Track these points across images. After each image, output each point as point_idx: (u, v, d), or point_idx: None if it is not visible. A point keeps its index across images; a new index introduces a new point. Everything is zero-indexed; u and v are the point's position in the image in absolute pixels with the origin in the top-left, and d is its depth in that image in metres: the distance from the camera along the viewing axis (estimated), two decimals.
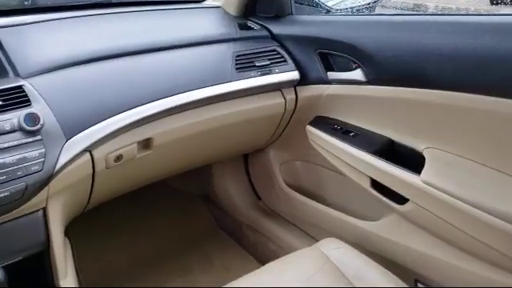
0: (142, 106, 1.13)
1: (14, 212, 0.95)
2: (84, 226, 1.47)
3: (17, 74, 1.06)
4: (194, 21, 1.50)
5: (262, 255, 1.77)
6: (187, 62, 1.30)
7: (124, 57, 1.22)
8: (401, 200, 1.19)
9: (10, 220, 0.97)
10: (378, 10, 1.93)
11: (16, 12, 1.31)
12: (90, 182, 1.15)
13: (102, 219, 1.79)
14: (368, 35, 1.27)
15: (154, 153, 1.24)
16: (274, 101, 1.43)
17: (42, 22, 1.23)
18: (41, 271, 1.12)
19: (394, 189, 1.19)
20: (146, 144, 1.22)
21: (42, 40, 1.17)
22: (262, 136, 1.59)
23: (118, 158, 1.15)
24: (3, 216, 0.94)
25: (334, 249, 1.13)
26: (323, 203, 1.54)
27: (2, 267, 0.87)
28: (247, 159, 1.91)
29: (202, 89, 1.24)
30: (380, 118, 1.28)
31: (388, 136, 1.26)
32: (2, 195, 0.90)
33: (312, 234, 1.63)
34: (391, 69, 1.20)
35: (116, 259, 1.79)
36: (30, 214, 1.01)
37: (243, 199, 1.90)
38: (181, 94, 1.20)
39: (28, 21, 1.21)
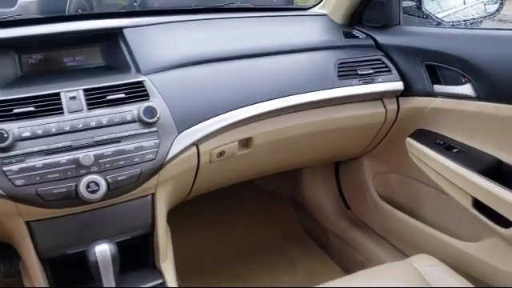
0: (247, 107, 1.20)
1: (128, 194, 1.06)
2: (179, 215, 1.57)
3: (138, 71, 1.17)
4: (299, 28, 1.54)
5: (347, 264, 1.75)
6: (292, 67, 1.34)
7: (233, 60, 1.29)
8: (505, 223, 1.12)
9: (124, 201, 1.08)
10: (491, 24, 1.81)
11: (139, 13, 1.44)
12: (194, 173, 1.23)
13: (196, 211, 1.90)
14: (480, 49, 1.21)
15: (252, 152, 1.30)
16: (375, 110, 1.42)
17: (163, 23, 1.34)
18: (144, 252, 1.22)
19: (498, 211, 1.12)
20: (246, 143, 1.28)
21: (163, 40, 1.28)
22: (358, 145, 1.58)
23: (221, 153, 1.23)
24: (119, 197, 1.05)
25: (427, 266, 1.09)
26: (417, 218, 1.49)
27: (116, 243, 0.96)
28: (338, 166, 1.90)
29: (304, 94, 1.27)
30: (489, 137, 1.21)
31: (496, 156, 1.19)
32: (120, 178, 1.00)
33: (402, 248, 1.59)
34: (505, 85, 1.13)
35: (205, 251, 1.89)
36: (140, 197, 1.11)
37: (331, 206, 1.90)
38: (283, 98, 1.24)
39: (151, 22, 1.32)
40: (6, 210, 0.98)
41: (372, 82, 1.37)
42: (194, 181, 1.27)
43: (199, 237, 1.93)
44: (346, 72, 1.36)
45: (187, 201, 1.42)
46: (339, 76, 1.34)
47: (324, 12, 1.61)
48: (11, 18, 1.31)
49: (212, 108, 1.16)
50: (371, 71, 1.38)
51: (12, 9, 3.86)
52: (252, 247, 1.93)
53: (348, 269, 1.72)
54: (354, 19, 1.58)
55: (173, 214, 1.27)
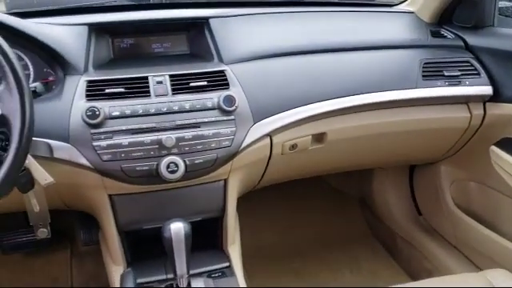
0: (323, 102, 1.19)
1: (203, 177, 1.10)
2: (247, 203, 1.60)
3: (220, 60, 1.21)
4: (384, 24, 1.50)
5: (414, 271, 1.70)
6: (374, 64, 1.31)
7: (314, 54, 1.29)
8: None
9: (199, 184, 1.13)
10: None
11: (225, 4, 1.48)
12: (265, 164, 1.25)
13: (263, 201, 1.92)
14: None
15: (325, 147, 1.29)
16: (459, 114, 1.35)
17: (248, 15, 1.36)
18: (213, 234, 1.27)
19: None
20: (319, 138, 1.28)
21: (246, 31, 1.30)
22: (437, 149, 1.51)
23: (293, 146, 1.23)
24: (195, 179, 1.09)
25: (503, 281, 1.03)
26: (495, 231, 1.40)
27: (189, 222, 1.01)
28: (413, 170, 1.84)
29: (383, 92, 1.24)
30: None
31: None
32: (197, 161, 1.05)
33: (475, 260, 1.51)
34: None
35: (268, 242, 1.91)
36: (214, 182, 1.16)
37: (402, 211, 1.84)
38: (362, 95, 1.22)
39: (236, 13, 1.35)
40: (92, 183, 1.06)
41: (458, 84, 1.30)
42: (265, 171, 1.29)
43: (264, 227, 1.96)
44: (431, 72, 1.31)
45: (256, 190, 1.44)
46: (423, 76, 1.29)
47: (411, 9, 1.55)
48: (107, 4, 1.40)
49: (288, 100, 1.17)
50: (458, 73, 1.32)
51: None
52: (315, 243, 1.93)
53: (414, 275, 1.67)
54: (443, 18, 1.50)
55: (241, 202, 1.31)
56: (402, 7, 1.59)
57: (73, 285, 1.69)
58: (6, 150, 0.88)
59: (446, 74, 1.31)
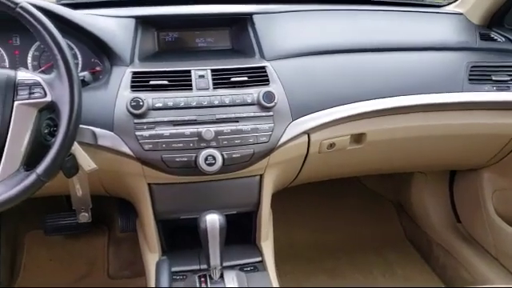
0: (364, 102, 1.18)
1: (239, 172, 1.11)
2: (281, 200, 1.61)
3: (262, 56, 1.21)
4: (432, 25, 1.46)
5: (450, 279, 1.65)
6: (418, 65, 1.28)
7: (357, 52, 1.27)
8: None
9: (235, 178, 1.14)
10: None
11: (268, 0, 1.48)
12: (302, 161, 1.25)
13: (297, 199, 1.92)
14: None
15: (363, 148, 1.28)
16: (507, 120, 1.30)
17: (291, 11, 1.36)
18: (247, 229, 1.28)
19: None
20: (358, 138, 1.26)
21: (288, 28, 1.30)
22: (481, 155, 1.46)
23: (331, 145, 1.23)
24: (231, 173, 1.11)
25: None
26: None
27: (225, 215, 1.03)
28: (453, 176, 1.79)
29: (426, 94, 1.22)
30: None
31: None
32: (235, 155, 1.06)
33: None
34: None
35: (300, 240, 1.91)
36: (250, 176, 1.17)
37: (440, 217, 1.79)
38: (405, 96, 1.20)
39: (279, 9, 1.35)
40: (133, 171, 1.09)
41: (507, 89, 1.26)
42: (301, 169, 1.29)
43: (297, 225, 1.96)
44: (479, 76, 1.27)
45: (290, 187, 1.44)
46: (470, 80, 1.25)
47: (460, 11, 1.50)
48: None
49: (329, 99, 1.16)
50: (507, 78, 1.27)
51: None
52: (348, 244, 1.91)
53: (450, 284, 1.62)
54: (494, 21, 1.45)
55: (276, 198, 1.31)
56: (451, 8, 1.54)
57: (109, 270, 1.74)
58: (53, 135, 0.92)
59: (494, 78, 1.26)
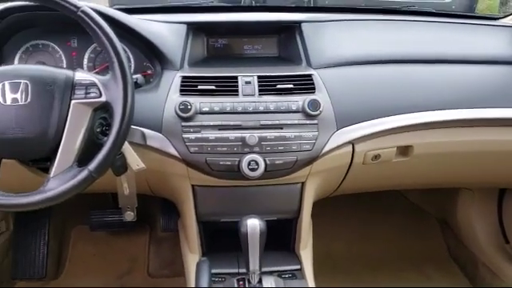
0: (412, 114, 1.15)
1: (281, 178, 1.12)
2: (321, 209, 1.60)
3: (309, 64, 1.22)
4: (485, 38, 1.41)
5: None
6: (471, 78, 1.24)
7: (406, 63, 1.25)
8: None
9: (277, 184, 1.14)
10: None
11: (316, 9, 1.49)
12: (345, 171, 1.24)
13: (337, 209, 1.90)
14: None
15: (410, 161, 1.25)
16: None
17: (340, 20, 1.35)
18: (286, 236, 1.28)
19: None
20: (404, 151, 1.24)
21: (337, 37, 1.30)
22: None
23: (376, 157, 1.21)
24: (273, 179, 1.11)
25: None
26: None
27: (265, 221, 1.03)
28: (502, 194, 1.71)
29: (480, 109, 1.18)
30: None
31: None
32: (278, 162, 1.07)
33: None
34: None
35: (339, 250, 1.88)
36: (291, 184, 1.17)
37: (488, 236, 1.72)
38: (455, 110, 1.17)
39: (328, 18, 1.35)
40: (179, 172, 1.12)
41: None
42: (344, 179, 1.28)
43: (336, 235, 1.93)
44: None
45: (331, 197, 1.43)
46: None
47: None
48: (204, 4, 1.47)
49: (375, 109, 1.15)
50: None
51: None
52: (388, 258, 1.87)
53: None
54: None
55: (316, 207, 1.30)
56: (507, 21, 1.49)
57: (149, 268, 1.79)
58: (105, 134, 0.97)
59: None
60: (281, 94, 1.12)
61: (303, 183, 1.18)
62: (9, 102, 0.85)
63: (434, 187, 1.58)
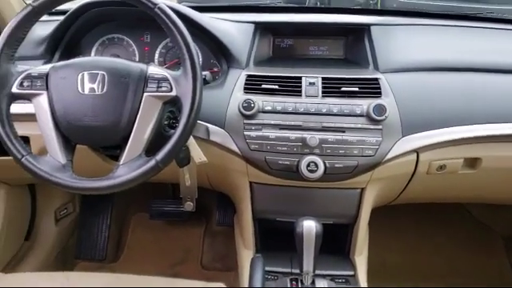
0: (483, 125, 1.10)
1: (339, 182, 1.11)
2: (378, 216, 1.56)
3: (376, 68, 1.19)
4: None
5: None
6: None
7: (478, 72, 1.19)
8: None
9: (335, 188, 1.14)
10: None
11: (384, 12, 1.45)
12: (407, 180, 1.20)
13: (395, 218, 1.84)
14: None
15: (477, 174, 1.19)
16: None
17: (410, 25, 1.32)
18: (341, 241, 1.26)
19: None
20: (472, 163, 1.18)
21: (406, 41, 1.26)
22: None
23: (441, 167, 1.16)
24: (331, 182, 1.11)
25: None
26: None
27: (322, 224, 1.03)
28: None
29: None
30: None
31: None
32: (337, 165, 1.06)
33: None
34: None
35: (393, 260, 1.83)
36: (350, 188, 1.16)
37: None
38: None
39: (398, 22, 1.31)
40: (238, 168, 1.14)
41: None
42: (405, 188, 1.24)
43: (392, 244, 1.88)
44: None
45: (390, 205, 1.40)
46: None
47: None
48: (272, 5, 1.48)
49: (443, 118, 1.11)
50: None
51: None
52: (444, 273, 1.79)
53: None
54: None
55: (373, 214, 1.28)
56: None
57: (202, 260, 1.83)
58: (172, 127, 1.01)
59: None
60: (345, 96, 1.10)
61: (363, 189, 1.16)
62: (86, 91, 0.91)
63: (500, 203, 1.49)
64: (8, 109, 0.92)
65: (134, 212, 1.97)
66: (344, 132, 1.07)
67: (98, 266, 1.80)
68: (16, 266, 1.58)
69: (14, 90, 0.92)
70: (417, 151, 1.11)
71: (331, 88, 1.12)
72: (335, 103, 1.09)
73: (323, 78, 1.14)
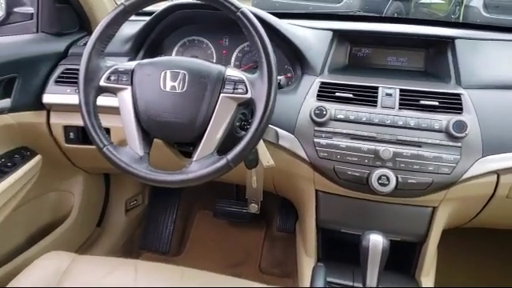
0: None
1: (411, 199, 1.07)
2: (448, 237, 1.49)
3: (458, 83, 1.14)
4: None
5: None
6: None
7: None
8: None
9: (405, 204, 1.10)
10: None
11: (468, 26, 1.38)
12: (484, 203, 1.13)
13: (467, 241, 1.74)
14: None
15: None
16: None
17: (497, 40, 1.24)
18: (407, 259, 1.21)
19: None
20: None
21: (493, 57, 1.19)
22: None
23: None
24: (402, 198, 1.07)
25: None
26: None
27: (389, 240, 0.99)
28: None
29: None
30: None
31: None
32: (410, 181, 1.02)
33: None
34: None
35: (460, 283, 1.72)
36: (421, 206, 1.11)
37: None
38: None
39: (485, 37, 1.25)
40: (305, 175, 1.13)
41: None
42: (481, 210, 1.17)
43: (461, 268, 1.77)
44: None
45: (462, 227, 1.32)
46: None
47: None
48: (351, 13, 1.46)
49: None
50: None
51: (338, 5, 4.28)
52: None
53: None
54: None
55: (444, 234, 1.21)
56: None
57: (261, 264, 1.84)
58: (243, 128, 1.02)
59: None
60: (423, 110, 1.06)
61: (435, 208, 1.11)
62: (168, 88, 0.95)
63: None
64: (95, 100, 0.98)
65: (198, 209, 2.02)
66: (420, 147, 1.03)
67: (161, 259, 1.87)
68: (87, 249, 1.68)
69: (102, 83, 0.98)
70: (497, 173, 1.05)
71: (409, 100, 1.08)
72: (412, 116, 1.06)
73: (401, 90, 1.10)
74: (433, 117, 1.05)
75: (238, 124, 1.02)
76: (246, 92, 0.93)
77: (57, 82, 1.28)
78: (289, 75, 1.27)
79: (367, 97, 1.10)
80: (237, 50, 1.32)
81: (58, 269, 1.00)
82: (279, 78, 1.19)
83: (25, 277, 0.98)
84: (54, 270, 1.00)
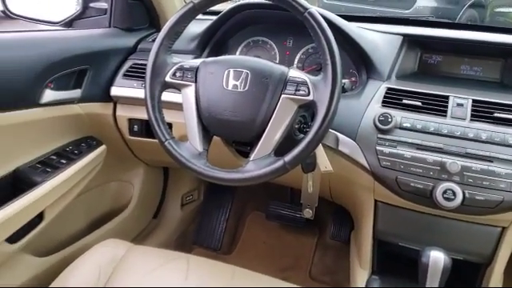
0: None
1: (477, 217, 1.00)
2: None
3: None
4: None
5: None
6: None
7: None
8: None
9: (471, 222, 1.03)
10: None
11: None
12: None
13: None
14: None
15: None
16: None
17: None
18: (469, 279, 1.14)
19: None
20: None
21: None
22: None
23: None
24: (468, 215, 1.00)
25: None
26: None
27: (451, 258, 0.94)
28: None
29: None
30: None
31: None
32: (478, 198, 0.95)
33: None
34: None
35: None
36: (489, 225, 1.04)
37: None
38: None
39: None
40: (364, 184, 1.09)
41: None
42: None
43: None
44: None
45: None
46: None
47: None
48: (423, 18, 1.40)
49: None
50: None
51: (407, 11, 4.14)
52: None
53: None
54: None
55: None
56: None
57: (311, 270, 1.80)
58: (302, 131, 1.00)
59: None
60: (497, 123, 0.99)
61: (504, 228, 1.03)
62: (230, 87, 0.95)
63: None
64: (160, 95, 1.01)
65: (251, 210, 2.02)
66: (491, 162, 0.96)
67: (212, 255, 1.89)
68: (142, 240, 1.73)
69: (168, 78, 1.00)
70: None
71: (482, 112, 1.02)
72: (485, 129, 0.99)
73: (474, 101, 1.04)
74: (507, 131, 0.98)
75: (297, 126, 1.00)
76: (308, 94, 0.91)
77: (125, 75, 1.33)
78: (353, 79, 1.24)
79: (437, 106, 1.04)
80: (300, 52, 1.31)
81: (113, 256, 1.03)
82: (343, 81, 1.16)
83: (83, 261, 1.02)
84: (109, 257, 1.03)
